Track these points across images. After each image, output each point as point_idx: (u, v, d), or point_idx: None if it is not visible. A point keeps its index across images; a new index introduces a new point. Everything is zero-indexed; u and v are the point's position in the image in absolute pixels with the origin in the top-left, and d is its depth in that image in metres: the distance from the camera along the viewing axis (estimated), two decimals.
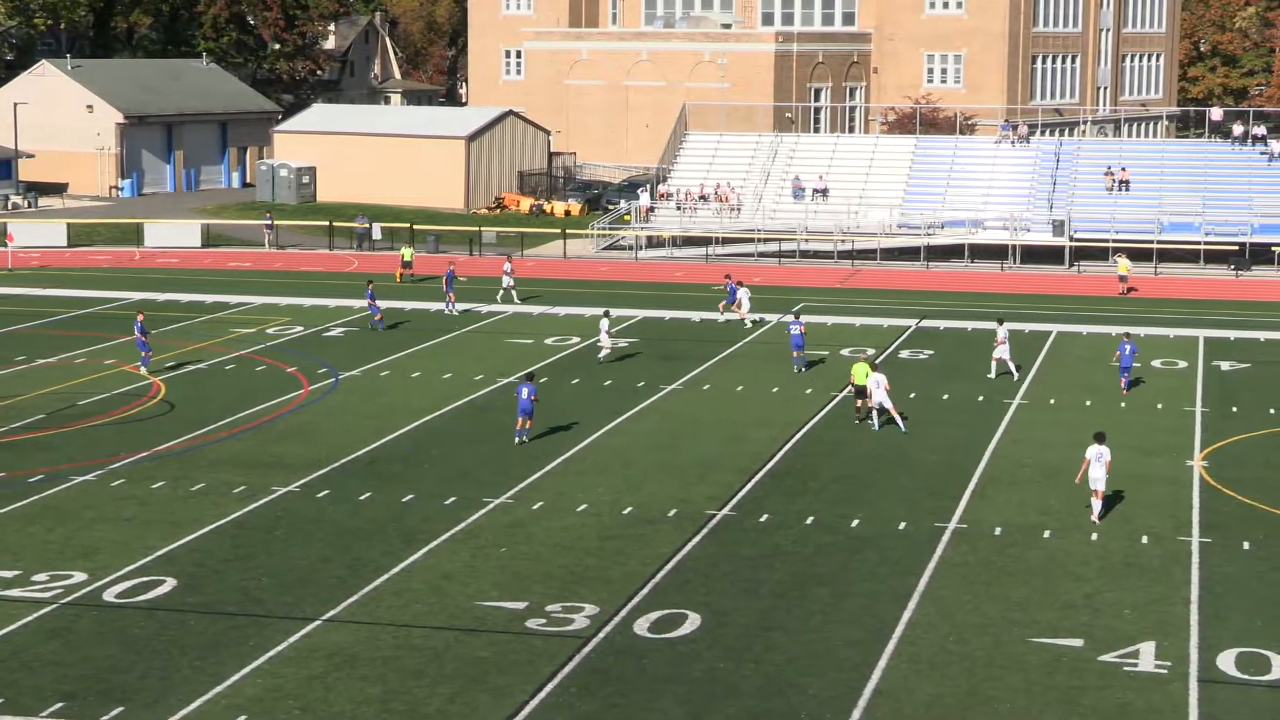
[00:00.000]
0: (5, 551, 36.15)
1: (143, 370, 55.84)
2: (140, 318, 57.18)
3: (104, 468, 43.54)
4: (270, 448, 46.04)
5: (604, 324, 59.48)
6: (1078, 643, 31.14)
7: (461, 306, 70.48)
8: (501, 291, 72.84)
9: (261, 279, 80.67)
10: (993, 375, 56.35)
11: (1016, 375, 56.28)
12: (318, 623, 31.89)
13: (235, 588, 33.96)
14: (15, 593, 33.45)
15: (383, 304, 69.35)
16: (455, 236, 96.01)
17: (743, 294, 66.73)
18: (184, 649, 30.40)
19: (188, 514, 39.23)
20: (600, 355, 59.07)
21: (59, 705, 27.68)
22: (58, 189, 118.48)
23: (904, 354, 61.33)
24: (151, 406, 51.40)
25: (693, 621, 32.17)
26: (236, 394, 53.11)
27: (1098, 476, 39.47)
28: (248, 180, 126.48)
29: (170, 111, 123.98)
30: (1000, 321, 57.53)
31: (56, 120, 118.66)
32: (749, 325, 66.51)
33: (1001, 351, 56.29)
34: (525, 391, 46.17)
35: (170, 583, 34.22)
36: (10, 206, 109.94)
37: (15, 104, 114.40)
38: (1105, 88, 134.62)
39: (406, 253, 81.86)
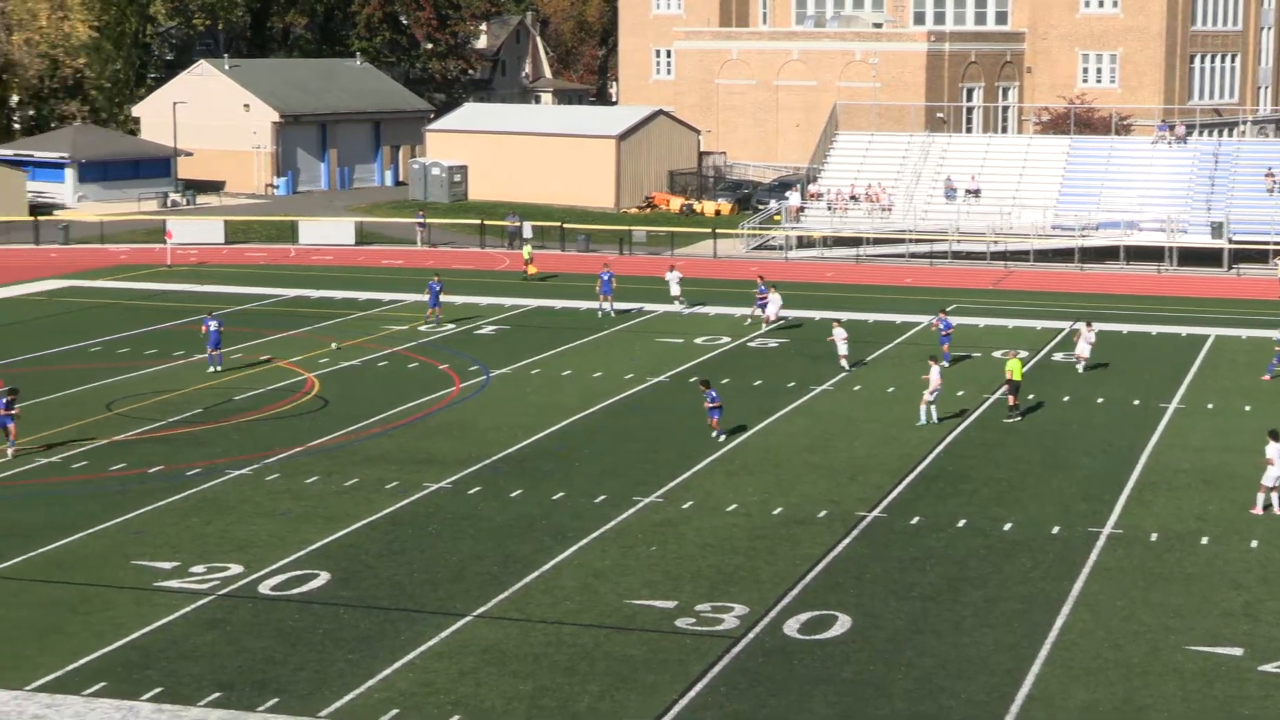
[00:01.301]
0: (164, 544, 36.74)
1: (218, 369, 56.22)
2: (211, 315, 57.67)
3: (259, 462, 44.12)
4: (422, 444, 46.43)
5: (839, 333, 57.36)
6: (1237, 651, 30.63)
7: (620, 306, 69.83)
8: (677, 299, 70.85)
9: (413, 276, 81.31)
10: (1081, 370, 57.38)
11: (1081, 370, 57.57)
12: (469, 618, 32.10)
13: (388, 582, 34.27)
14: (174, 584, 33.99)
15: (532, 303, 69.65)
16: (605, 236, 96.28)
17: (774, 297, 66.39)
18: (337, 642, 30.73)
19: (341, 509, 39.66)
20: (844, 364, 57.50)
21: (216, 695, 28.08)
22: (215, 187, 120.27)
23: (1057, 356, 60.65)
24: (306, 402, 52.01)
25: (843, 623, 32.03)
26: (389, 390, 53.61)
27: (1278, 474, 38.96)
28: (400, 179, 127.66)
29: (325, 110, 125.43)
30: (1089, 323, 59.02)
31: (214, 119, 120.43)
32: (751, 324, 66.86)
33: (1083, 349, 57.86)
34: (709, 399, 46.99)
35: (324, 576, 34.61)
36: (169, 204, 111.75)
37: (174, 103, 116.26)
38: (1266, 87, 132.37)
39: (526, 250, 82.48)
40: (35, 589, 33.44)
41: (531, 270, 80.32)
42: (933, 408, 49.29)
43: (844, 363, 57.23)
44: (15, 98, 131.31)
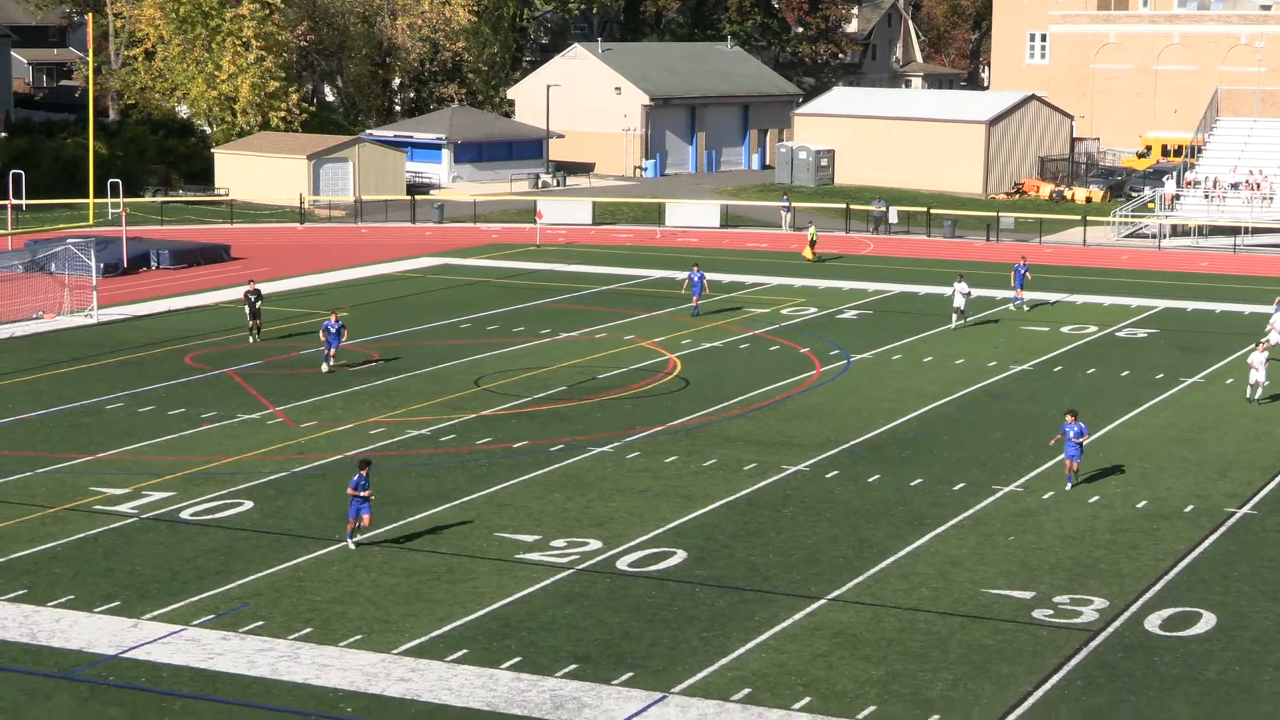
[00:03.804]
0: (527, 517, 37.63)
1: (325, 362, 53.20)
2: (334, 318, 53.76)
3: (621, 440, 44.84)
4: (781, 426, 46.64)
5: (1259, 358, 49.78)
6: None
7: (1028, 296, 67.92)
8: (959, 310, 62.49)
9: (777, 260, 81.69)
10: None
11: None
12: (822, 601, 32.18)
13: (743, 563, 34.55)
14: (535, 556, 34.79)
15: (895, 288, 69.04)
16: (972, 221, 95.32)
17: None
18: (691, 620, 31.11)
19: (699, 488, 40.09)
20: (1251, 394, 50.35)
21: (573, 667, 28.68)
22: (585, 168, 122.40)
23: None
24: (668, 382, 52.66)
25: (1207, 621, 31.24)
26: (750, 372, 53.96)
27: None
28: (767, 162, 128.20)
29: (694, 94, 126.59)
30: None
31: (586, 102, 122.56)
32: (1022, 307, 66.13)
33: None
34: (1073, 431, 40.00)
35: (680, 555, 35.04)
36: (540, 185, 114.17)
37: (548, 85, 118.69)
38: None
39: (812, 231, 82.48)
40: (405, 556, 34.58)
41: (808, 255, 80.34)
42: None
43: (1250, 391, 50.25)
44: (397, 80, 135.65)
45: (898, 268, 79.16)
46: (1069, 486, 40.17)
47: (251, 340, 57.79)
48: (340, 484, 39.85)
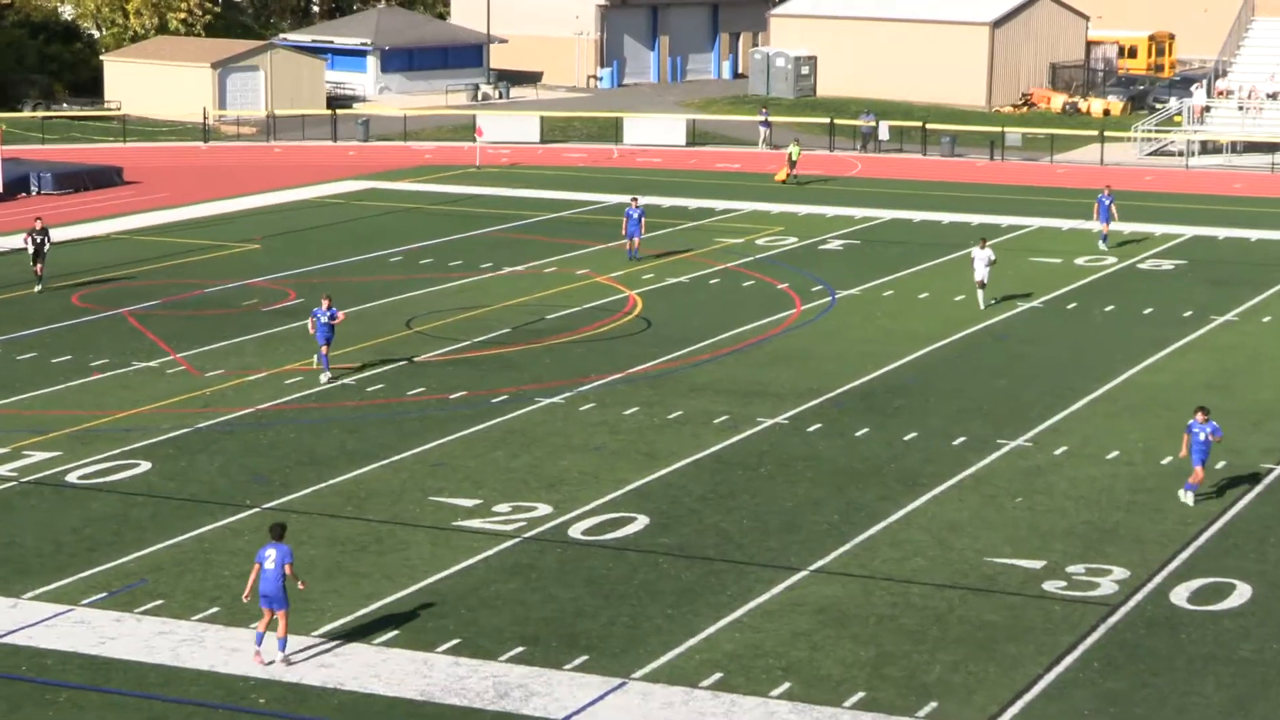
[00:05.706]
0: (466, 479, 37.55)
1: (322, 370, 45.82)
2: (325, 304, 45.64)
3: (573, 390, 44.76)
4: (756, 373, 46.64)
5: None
6: None
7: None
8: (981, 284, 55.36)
9: (752, 183, 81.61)
10: None
11: None
12: (804, 573, 32.20)
13: (713, 530, 34.54)
14: (475, 524, 34.72)
15: (886, 214, 69.08)
16: (973, 137, 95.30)
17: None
18: (655, 595, 31.09)
19: (663, 445, 40.06)
20: None
21: (519, 650, 28.62)
22: (531, 78, 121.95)
23: None
24: (627, 323, 52.61)
25: (1241, 593, 31.37)
26: (720, 312, 53.94)
27: None
28: (740, 71, 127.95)
29: None
30: None
31: (532, 1, 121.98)
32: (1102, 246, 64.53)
33: None
34: (1204, 433, 35.84)
35: (642, 521, 35.01)
36: (480, 97, 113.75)
37: None
38: None
39: (794, 150, 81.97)
40: (325, 524, 34.47)
41: (781, 176, 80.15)
42: None
43: None
44: None
45: (889, 191, 79.14)
46: (1192, 502, 36.00)
47: (37, 289, 55.59)
48: (251, 443, 39.74)
